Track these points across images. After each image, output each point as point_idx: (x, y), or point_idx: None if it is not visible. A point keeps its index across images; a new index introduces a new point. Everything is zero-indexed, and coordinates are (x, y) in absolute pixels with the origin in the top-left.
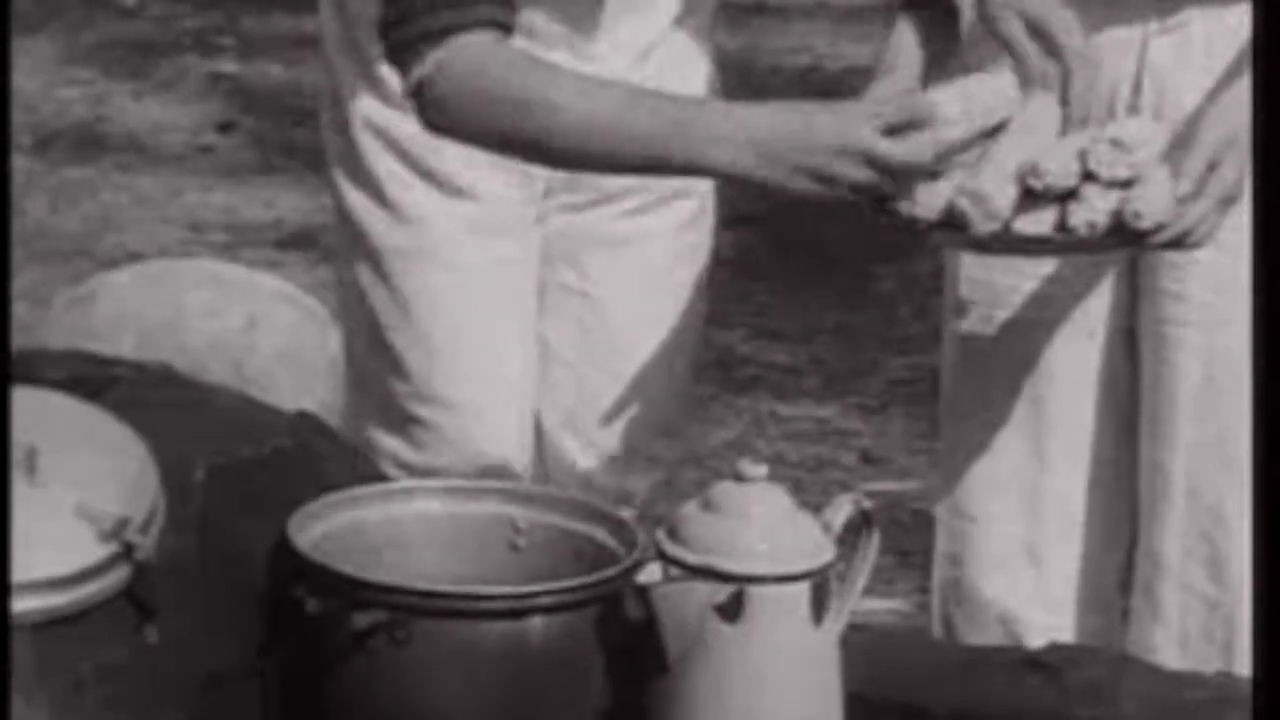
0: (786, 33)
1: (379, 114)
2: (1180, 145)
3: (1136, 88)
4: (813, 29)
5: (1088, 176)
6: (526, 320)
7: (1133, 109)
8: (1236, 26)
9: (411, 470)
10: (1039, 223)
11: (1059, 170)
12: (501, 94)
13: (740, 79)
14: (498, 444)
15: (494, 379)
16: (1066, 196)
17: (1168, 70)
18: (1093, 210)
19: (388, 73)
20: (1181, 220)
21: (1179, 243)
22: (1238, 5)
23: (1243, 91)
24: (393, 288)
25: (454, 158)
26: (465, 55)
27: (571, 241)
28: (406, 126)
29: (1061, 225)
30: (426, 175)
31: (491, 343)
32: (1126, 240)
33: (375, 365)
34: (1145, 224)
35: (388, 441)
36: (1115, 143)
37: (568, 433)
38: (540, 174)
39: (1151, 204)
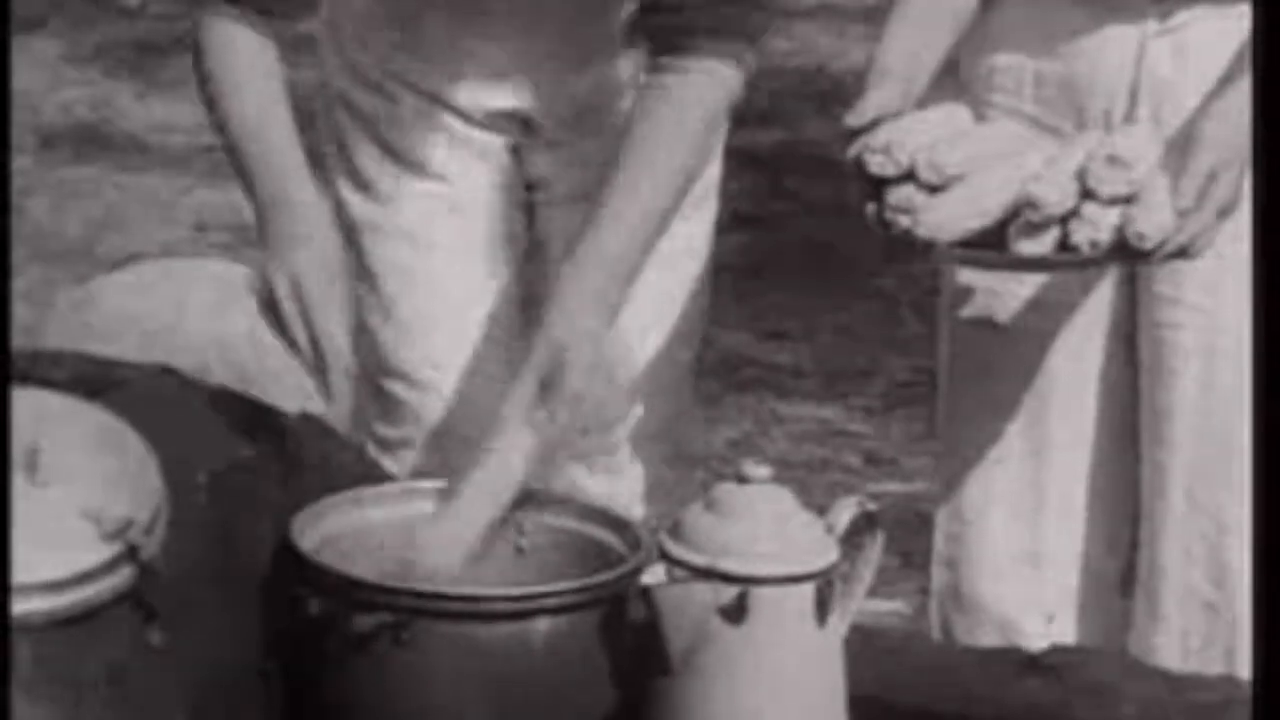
0: (789, 34)
1: (353, 92)
2: (1176, 153)
3: (1134, 90)
4: (814, 30)
5: (1086, 194)
6: (500, 304)
7: (1130, 113)
8: (1235, 28)
9: (387, 445)
10: (1041, 244)
11: (1057, 197)
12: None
13: None
14: (464, 424)
15: (459, 360)
16: (1067, 214)
17: (1166, 72)
18: (1094, 228)
19: (362, 56)
20: (1182, 233)
21: (1179, 255)
22: (1235, 7)
23: (1237, 99)
24: (365, 264)
25: (421, 138)
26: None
27: (558, 238)
28: (378, 105)
29: (1064, 244)
30: (394, 154)
31: (458, 323)
32: (1129, 257)
33: (357, 340)
34: (1148, 244)
35: (369, 415)
36: (1113, 159)
37: None
38: (516, 166)
39: (1153, 222)
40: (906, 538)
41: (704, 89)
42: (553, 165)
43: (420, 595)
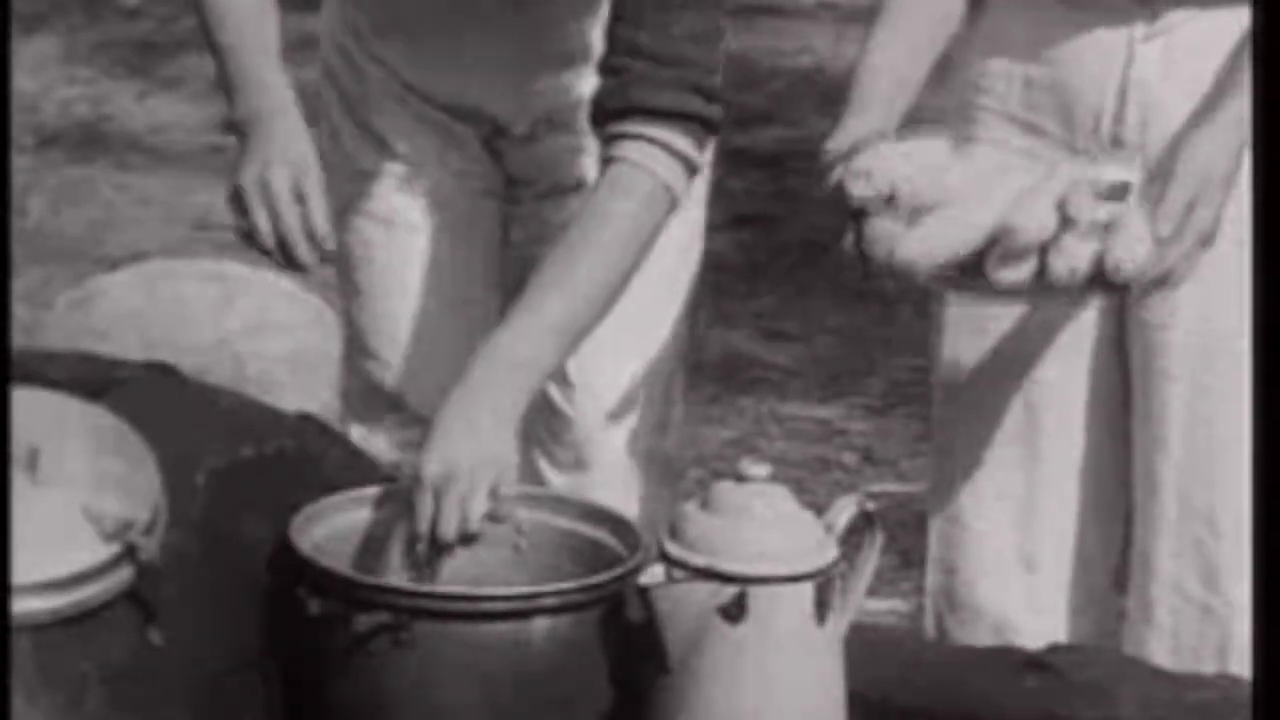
0: (788, 34)
1: (339, 71)
2: (1156, 181)
3: (1122, 94)
4: (814, 30)
5: (1065, 223)
6: (469, 287)
7: (1119, 116)
8: (1223, 30)
9: (365, 419)
10: (1018, 273)
11: (1035, 225)
12: None
13: (742, 80)
14: (429, 405)
15: (423, 340)
16: (1046, 244)
17: (1154, 75)
18: (1073, 258)
19: (347, 38)
20: (1161, 264)
21: (1158, 285)
22: (1224, 9)
23: (1217, 128)
24: (341, 240)
25: (395, 121)
26: None
27: (535, 230)
28: (357, 86)
29: (1042, 274)
30: (370, 134)
31: (421, 303)
32: (1107, 287)
33: (341, 318)
34: (1127, 274)
35: (348, 392)
36: (1093, 187)
37: (539, 428)
38: (487, 157)
39: (1131, 252)
40: (905, 537)
41: (638, 190)
42: (526, 161)
43: (420, 595)
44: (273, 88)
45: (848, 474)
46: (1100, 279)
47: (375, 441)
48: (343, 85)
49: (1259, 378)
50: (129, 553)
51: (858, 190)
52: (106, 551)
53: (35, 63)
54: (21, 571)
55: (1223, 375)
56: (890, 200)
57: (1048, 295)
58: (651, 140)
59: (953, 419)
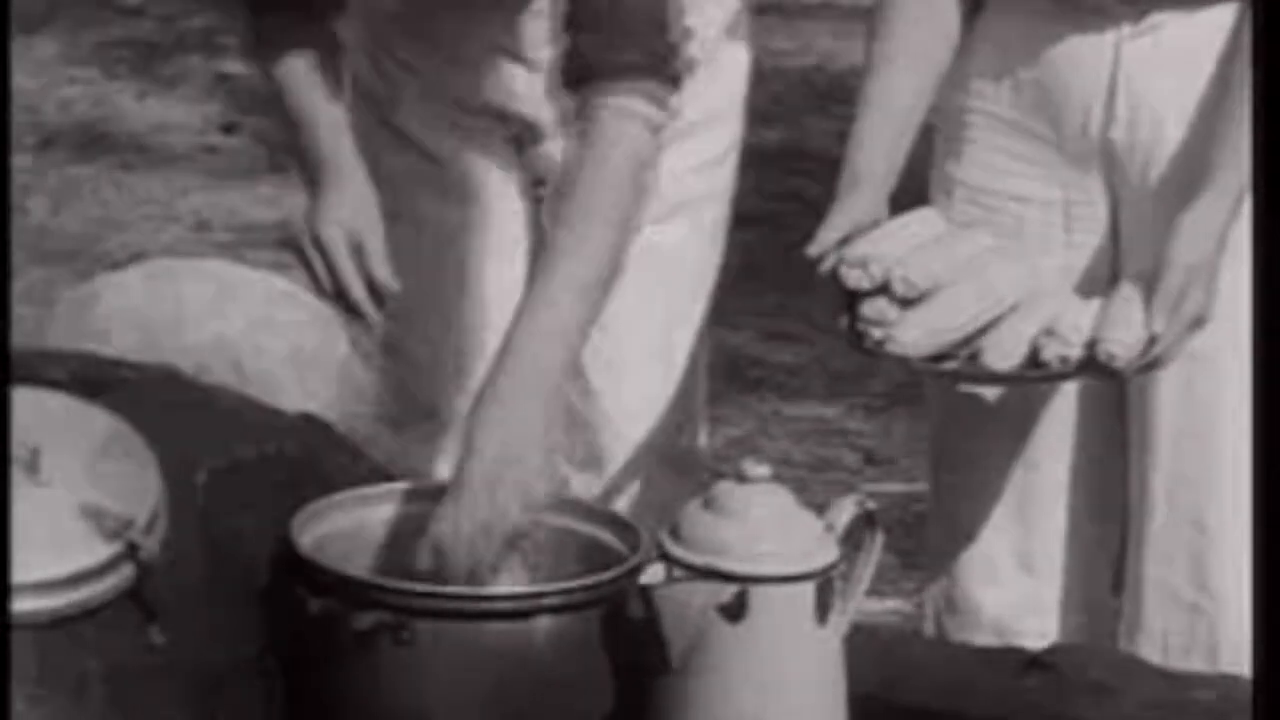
0: (789, 33)
1: (368, 78)
2: (1151, 268)
3: (1111, 94)
4: (814, 30)
5: (1036, 363)
6: (494, 289)
7: (1108, 116)
8: (1211, 28)
9: (391, 422)
10: (1011, 359)
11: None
12: None
13: None
14: (447, 405)
15: (443, 339)
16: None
17: (1142, 74)
18: (1065, 345)
19: (374, 43)
20: (1154, 349)
21: (1150, 367)
22: (1211, 7)
23: (1203, 213)
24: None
25: (421, 122)
26: None
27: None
28: (384, 89)
29: (1034, 360)
30: (398, 136)
31: (445, 302)
32: (1099, 373)
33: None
34: (1119, 362)
35: (382, 399)
36: (1049, 332)
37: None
38: (514, 154)
39: (1123, 342)
40: (905, 537)
41: (619, 131)
42: (555, 159)
43: (420, 595)
44: (337, 167)
45: (849, 474)
46: (1092, 364)
47: (414, 452)
48: (370, 90)
49: (1259, 378)
50: (129, 552)
51: (852, 281)
52: (106, 551)
53: (35, 63)
54: (22, 571)
55: (1210, 377)
56: (884, 287)
57: (1040, 381)
58: (626, 93)
59: (949, 422)
